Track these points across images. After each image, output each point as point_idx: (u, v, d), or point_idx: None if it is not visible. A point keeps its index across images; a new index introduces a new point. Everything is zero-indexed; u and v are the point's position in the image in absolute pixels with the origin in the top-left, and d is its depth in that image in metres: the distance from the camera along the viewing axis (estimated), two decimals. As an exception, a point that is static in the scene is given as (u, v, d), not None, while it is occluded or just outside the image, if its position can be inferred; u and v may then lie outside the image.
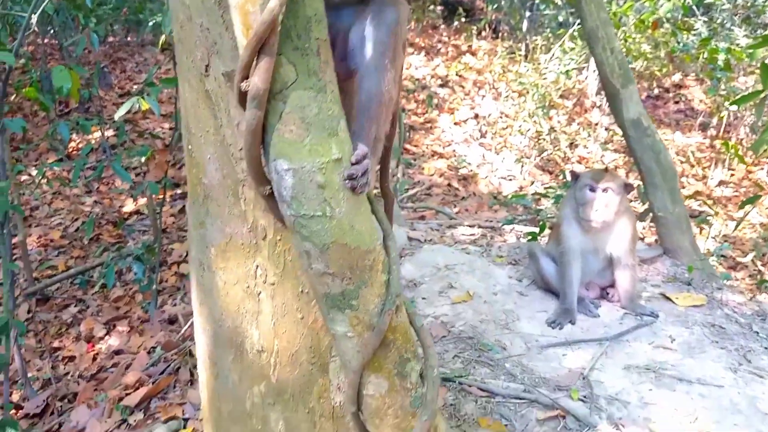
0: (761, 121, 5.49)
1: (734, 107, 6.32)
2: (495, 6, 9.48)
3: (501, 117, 7.59)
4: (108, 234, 5.56)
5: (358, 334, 1.21)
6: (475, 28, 9.42)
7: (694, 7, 6.56)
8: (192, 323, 3.88)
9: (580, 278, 3.29)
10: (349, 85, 1.27)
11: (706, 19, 6.97)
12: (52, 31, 7.33)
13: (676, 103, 8.14)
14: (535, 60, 7.97)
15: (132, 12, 7.70)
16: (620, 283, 3.30)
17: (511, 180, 6.66)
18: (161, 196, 4.78)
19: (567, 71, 7.35)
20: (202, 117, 1.46)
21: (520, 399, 2.65)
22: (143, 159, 5.99)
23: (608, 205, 3.15)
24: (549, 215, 5.03)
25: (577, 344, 3.01)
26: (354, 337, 1.21)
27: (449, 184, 6.42)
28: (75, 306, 4.72)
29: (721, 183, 6.44)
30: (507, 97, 7.77)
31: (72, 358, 4.10)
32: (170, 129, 6.90)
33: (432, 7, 10.12)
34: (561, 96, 7.72)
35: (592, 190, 3.17)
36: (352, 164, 1.12)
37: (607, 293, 3.42)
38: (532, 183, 6.49)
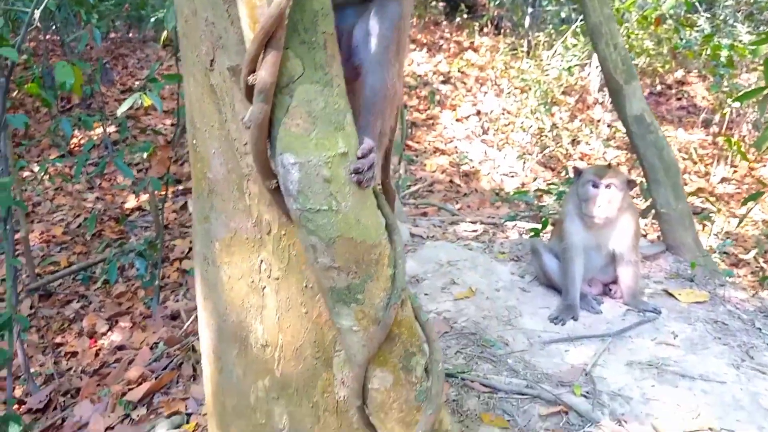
0: (764, 117, 5.48)
1: (737, 104, 6.31)
2: (497, 2, 9.46)
3: (503, 113, 7.58)
4: (110, 230, 5.57)
5: (364, 328, 1.21)
6: (477, 24, 9.41)
7: (696, 4, 6.54)
8: (194, 319, 3.91)
9: (582, 274, 3.29)
10: (355, 84, 1.27)
11: (708, 16, 6.96)
12: (54, 27, 7.33)
13: (679, 99, 8.12)
14: (537, 56, 7.96)
15: (134, 8, 7.70)
16: (623, 279, 3.30)
17: (513, 177, 6.66)
18: (163, 193, 4.78)
19: (569, 68, 7.34)
20: (206, 112, 1.46)
21: (523, 395, 2.65)
22: (145, 155, 6.00)
23: (611, 202, 3.15)
24: (551, 212, 5.02)
25: (580, 340, 3.01)
26: (359, 331, 1.21)
27: (451, 181, 6.42)
28: (77, 302, 4.73)
29: (723, 180, 6.43)
30: (509, 93, 7.76)
31: (74, 354, 4.11)
32: (172, 125, 6.91)
33: (434, 3, 10.10)
34: (563, 92, 7.71)
35: (595, 186, 3.16)
36: (359, 158, 1.12)
37: (610, 289, 3.42)
38: (535, 179, 6.49)
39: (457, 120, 7.64)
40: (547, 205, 5.43)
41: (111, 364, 3.89)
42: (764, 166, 6.70)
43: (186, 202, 5.83)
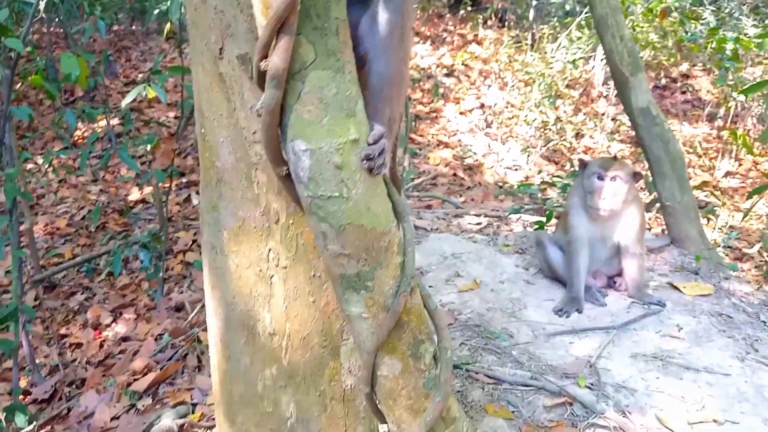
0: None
1: (742, 97, 6.28)
2: (501, -5, 9.44)
3: (507, 107, 7.56)
4: (114, 222, 5.58)
5: (373, 315, 1.21)
6: (481, 17, 9.37)
7: (702, -4, 6.52)
8: (199, 310, 3.92)
9: (587, 267, 3.29)
10: (362, 74, 1.27)
11: (714, 9, 6.92)
12: (57, 19, 7.32)
13: (684, 93, 8.09)
14: (541, 49, 7.93)
15: (137, 0, 7.68)
16: (628, 271, 3.30)
17: (516, 170, 6.65)
18: (167, 185, 4.78)
19: (574, 60, 7.31)
20: (215, 100, 1.46)
21: (527, 386, 2.66)
22: (149, 147, 6.00)
23: (616, 194, 3.15)
24: (555, 204, 5.02)
25: (584, 332, 3.02)
26: (369, 318, 1.22)
27: (455, 174, 6.41)
28: (81, 293, 4.74)
29: (727, 174, 6.42)
30: (513, 86, 7.73)
31: (79, 345, 4.12)
32: (176, 118, 6.91)
33: (438, -5, 10.07)
34: (567, 86, 7.68)
35: (600, 178, 3.16)
36: (369, 145, 1.12)
37: (615, 282, 3.42)
38: (539, 172, 6.48)
39: (461, 113, 7.62)
40: (552, 198, 5.43)
41: (116, 355, 3.90)
42: (769, 160, 6.68)
43: (190, 195, 5.84)
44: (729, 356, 2.80)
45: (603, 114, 7.49)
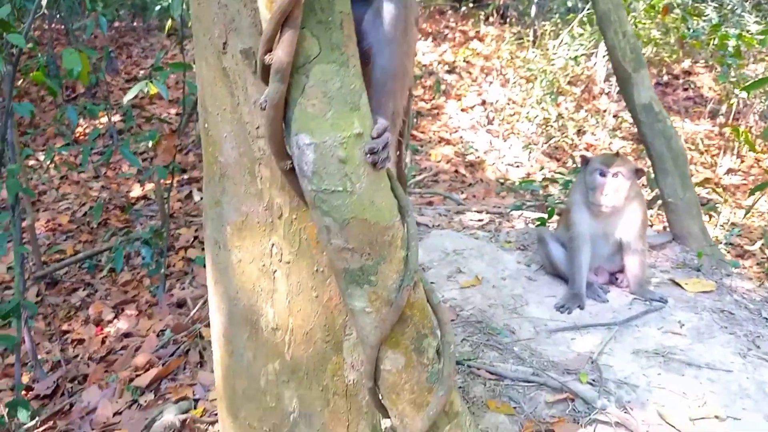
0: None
1: (744, 94, 6.27)
2: (503, -9, 9.42)
3: (508, 103, 7.56)
4: (115, 219, 5.58)
5: (377, 309, 1.21)
6: (482, 13, 9.35)
7: (704, -7, 6.50)
8: (201, 306, 3.92)
9: (589, 263, 3.29)
10: (366, 70, 1.27)
11: (716, 5, 6.91)
12: (58, 16, 7.32)
13: (685, 90, 8.08)
14: (543, 46, 7.92)
15: (138, -3, 7.68)
16: (629, 268, 3.30)
17: (518, 167, 6.64)
18: (169, 181, 4.79)
19: (575, 57, 7.30)
20: (219, 95, 1.46)
21: (529, 382, 2.66)
22: (151, 144, 6.01)
23: (618, 190, 3.15)
24: (557, 201, 5.02)
25: (586, 329, 3.02)
26: (372, 312, 1.22)
27: (456, 171, 6.41)
28: (83, 290, 4.75)
29: (729, 171, 6.41)
30: (515, 83, 7.73)
31: (81, 341, 4.13)
32: (177, 114, 6.91)
33: (439, -8, 10.05)
34: (569, 82, 7.67)
35: (603, 174, 3.16)
36: (373, 138, 1.12)
37: (616, 278, 3.42)
38: (541, 169, 6.48)
39: (463, 110, 7.62)
40: (553, 195, 5.43)
41: (118, 351, 3.91)
42: (771, 157, 6.67)
43: (191, 191, 5.84)
44: (731, 353, 2.80)
45: (605, 111, 7.48)
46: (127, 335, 4.07)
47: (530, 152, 6.76)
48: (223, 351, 1.73)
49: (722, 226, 4.95)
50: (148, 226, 5.09)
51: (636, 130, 3.96)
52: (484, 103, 7.64)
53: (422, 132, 7.17)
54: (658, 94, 3.79)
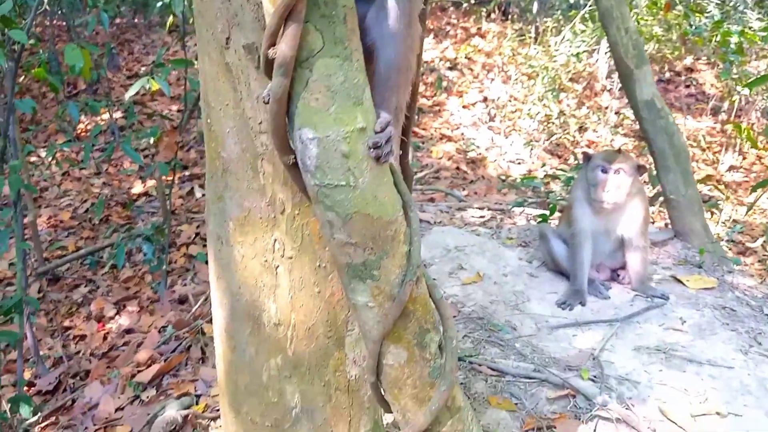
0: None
1: (746, 91, 6.26)
2: (505, -12, 9.41)
3: (510, 100, 7.55)
4: (117, 215, 5.59)
5: (379, 304, 1.21)
6: (484, 10, 9.34)
7: (707, -11, 6.49)
8: (202, 302, 3.93)
9: (590, 260, 3.30)
10: (369, 69, 1.27)
11: (719, 2, 6.89)
12: (60, 12, 7.32)
13: (687, 86, 8.07)
14: (545, 42, 7.91)
15: (139, -7, 7.67)
16: (631, 265, 3.30)
17: (519, 164, 6.64)
18: (170, 178, 4.79)
19: (577, 54, 7.29)
20: (221, 90, 1.46)
21: (530, 378, 2.66)
22: (152, 140, 6.01)
23: (620, 187, 3.15)
24: (559, 198, 5.01)
25: (588, 325, 3.02)
26: (375, 307, 1.22)
27: (458, 168, 6.41)
28: (85, 286, 4.76)
29: (731, 168, 6.40)
30: (516, 80, 7.72)
31: (83, 337, 4.14)
32: (179, 111, 6.91)
33: (441, -11, 10.03)
34: (571, 79, 7.67)
35: (604, 171, 3.16)
36: (376, 133, 1.12)
37: (618, 275, 3.42)
38: (543, 166, 6.47)
39: (464, 107, 7.61)
40: (555, 191, 5.43)
41: (119, 347, 3.92)
42: (773, 154, 6.66)
43: (193, 188, 5.85)
44: (732, 349, 2.80)
45: (606, 107, 7.47)
46: (128, 331, 4.07)
47: (532, 149, 6.75)
48: (226, 346, 1.73)
49: (724, 223, 4.95)
50: (149, 222, 5.10)
51: (638, 126, 3.96)
52: (485, 99, 7.64)
53: (424, 129, 7.16)
54: (660, 91, 3.78)
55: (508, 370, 2.71)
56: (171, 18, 5.16)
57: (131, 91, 3.70)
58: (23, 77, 6.54)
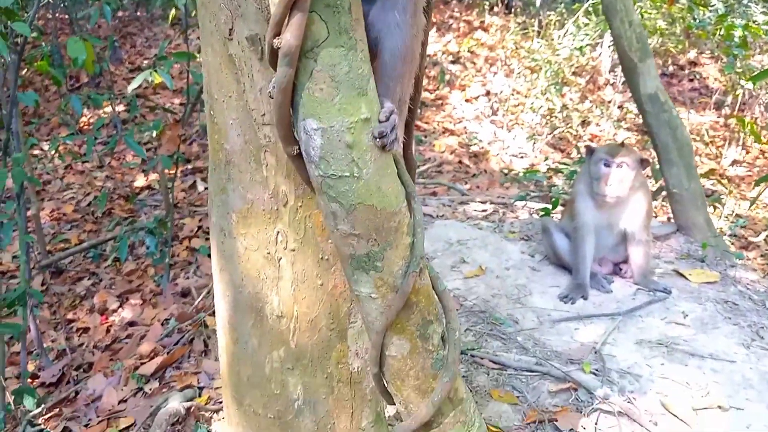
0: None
1: (750, 85, 6.23)
2: (508, -19, 9.36)
3: (513, 94, 7.53)
4: (120, 208, 5.60)
5: (382, 295, 1.21)
6: (487, 3, 9.30)
7: (711, -17, 6.46)
8: (205, 295, 3.93)
9: (593, 254, 3.30)
10: (374, 59, 1.26)
11: (723, -5, 6.85)
12: (62, 5, 7.31)
13: (691, 80, 8.03)
14: (548, 36, 7.87)
15: (142, -14, 7.66)
16: (633, 258, 3.30)
17: (522, 157, 6.63)
18: (173, 171, 4.79)
19: (581, 47, 7.26)
20: (224, 82, 1.46)
21: (532, 372, 2.67)
22: (155, 134, 6.01)
23: (623, 180, 3.14)
24: (561, 191, 5.01)
25: (590, 319, 3.03)
26: (378, 298, 1.22)
27: (460, 161, 6.40)
28: (88, 279, 4.77)
29: (734, 162, 6.38)
30: (519, 73, 7.69)
31: (86, 330, 4.15)
32: (181, 104, 6.90)
33: (444, -18, 9.99)
34: (574, 73, 7.64)
35: (607, 164, 3.15)
36: (380, 122, 1.12)
37: (620, 269, 3.42)
38: (546, 159, 6.46)
39: (467, 100, 7.60)
40: (558, 185, 5.42)
41: (122, 339, 3.93)
42: (776, 148, 6.64)
43: (195, 181, 5.85)
44: (734, 343, 2.81)
45: (609, 101, 7.45)
46: (131, 324, 4.08)
47: (534, 143, 6.74)
48: (228, 338, 1.74)
49: (727, 217, 4.94)
50: (152, 215, 5.10)
51: (641, 120, 3.95)
52: (488, 93, 7.62)
53: (426, 122, 7.15)
54: (663, 85, 3.77)
55: (510, 363, 2.72)
56: (173, 11, 5.16)
57: (134, 84, 3.70)
58: (26, 70, 6.55)
